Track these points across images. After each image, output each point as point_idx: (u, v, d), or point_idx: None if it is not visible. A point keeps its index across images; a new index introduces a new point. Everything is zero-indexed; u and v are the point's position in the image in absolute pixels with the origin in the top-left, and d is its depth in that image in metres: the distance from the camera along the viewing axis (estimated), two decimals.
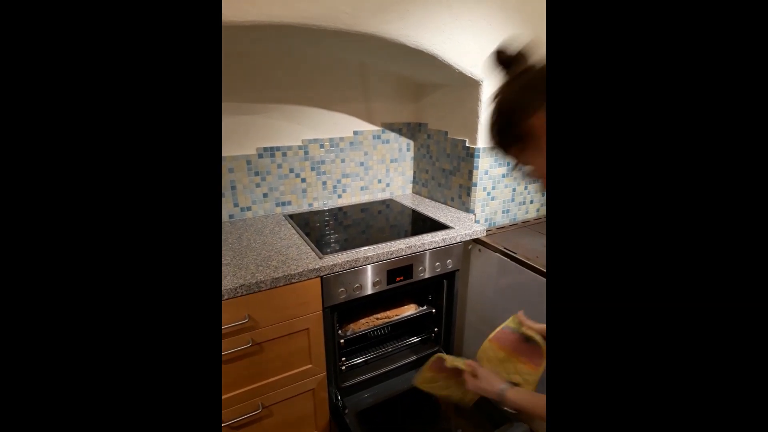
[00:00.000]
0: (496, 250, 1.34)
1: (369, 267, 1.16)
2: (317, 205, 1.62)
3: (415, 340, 1.48)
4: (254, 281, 0.98)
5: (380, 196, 1.76)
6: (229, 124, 1.36)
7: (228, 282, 0.97)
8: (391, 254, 1.18)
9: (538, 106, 0.50)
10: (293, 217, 1.47)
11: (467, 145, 1.43)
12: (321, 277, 1.09)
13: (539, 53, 0.53)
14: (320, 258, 1.11)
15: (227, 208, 1.44)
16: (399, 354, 1.43)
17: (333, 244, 1.22)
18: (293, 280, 1.04)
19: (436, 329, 1.47)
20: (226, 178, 1.41)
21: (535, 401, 0.65)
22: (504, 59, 0.54)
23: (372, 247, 1.18)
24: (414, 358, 1.42)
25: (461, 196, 1.51)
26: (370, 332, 1.39)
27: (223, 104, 1.34)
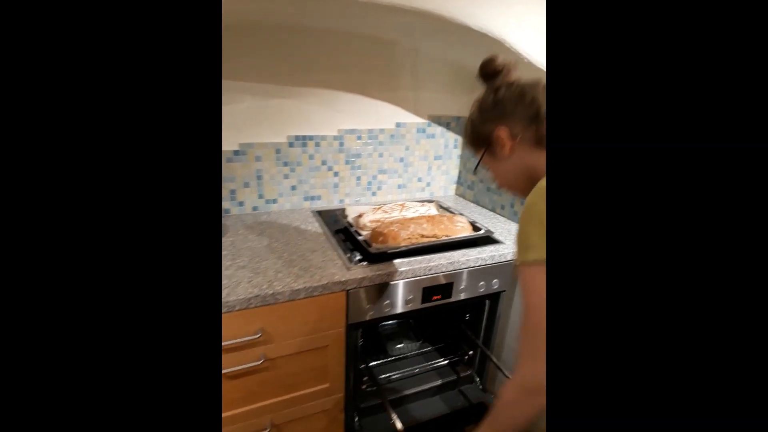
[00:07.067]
0: None
1: (401, 283, 1.01)
2: (349, 202, 1.48)
3: (443, 362, 1.33)
4: (271, 292, 0.86)
5: (419, 196, 1.60)
6: (258, 108, 1.23)
7: (241, 290, 0.85)
8: (430, 270, 1.02)
9: (504, 120, 0.59)
10: (322, 214, 1.34)
11: None
12: (347, 291, 0.95)
13: (517, 73, 0.62)
14: (348, 269, 0.97)
15: (251, 199, 1.33)
16: (425, 376, 1.29)
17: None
18: (315, 293, 0.91)
19: (471, 352, 1.31)
20: (253, 167, 1.29)
21: None
22: (489, 72, 0.62)
23: (408, 260, 1.03)
24: (440, 382, 1.27)
25: (514, 205, 1.32)
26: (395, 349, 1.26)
27: (252, 86, 1.21)
